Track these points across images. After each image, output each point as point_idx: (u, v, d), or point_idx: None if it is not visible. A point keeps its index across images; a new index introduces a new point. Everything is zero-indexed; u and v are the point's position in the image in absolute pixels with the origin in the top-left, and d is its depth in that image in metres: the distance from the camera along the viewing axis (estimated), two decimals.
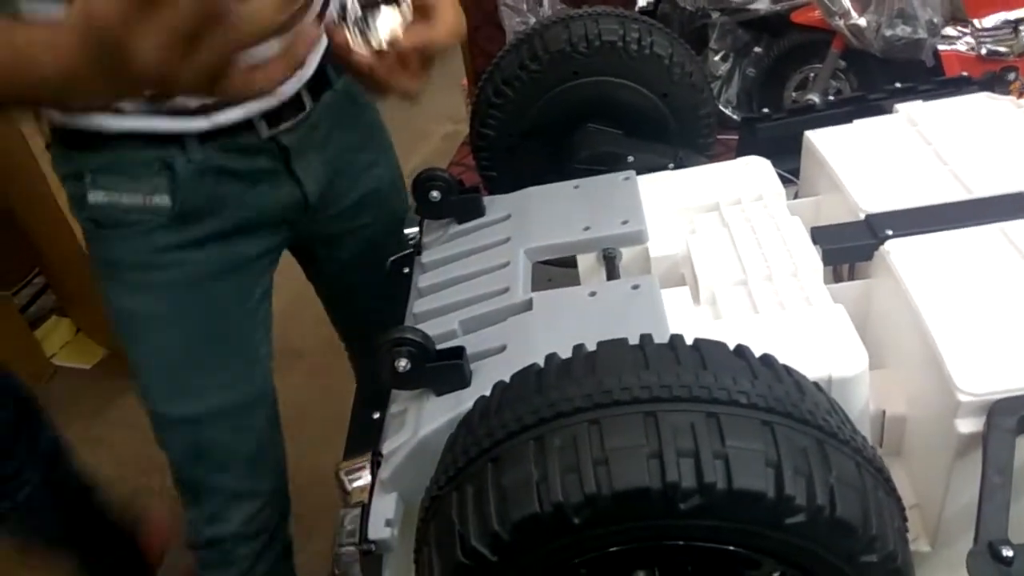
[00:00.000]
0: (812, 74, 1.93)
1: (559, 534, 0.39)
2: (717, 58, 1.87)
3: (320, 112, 0.89)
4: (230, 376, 0.91)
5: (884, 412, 0.63)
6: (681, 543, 0.40)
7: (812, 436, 0.40)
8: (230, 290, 0.89)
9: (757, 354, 0.45)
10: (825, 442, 0.40)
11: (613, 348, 0.44)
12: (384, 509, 0.59)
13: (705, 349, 0.44)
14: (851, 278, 0.73)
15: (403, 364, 0.60)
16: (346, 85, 0.93)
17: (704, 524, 0.38)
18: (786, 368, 0.45)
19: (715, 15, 1.82)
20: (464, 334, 0.68)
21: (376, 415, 0.69)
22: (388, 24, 0.67)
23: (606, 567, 0.42)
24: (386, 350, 0.59)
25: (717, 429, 0.39)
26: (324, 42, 0.86)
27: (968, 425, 0.53)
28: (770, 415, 0.40)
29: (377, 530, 0.58)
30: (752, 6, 1.81)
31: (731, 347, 0.45)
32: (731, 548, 0.40)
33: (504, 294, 0.70)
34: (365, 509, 0.60)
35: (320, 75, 0.88)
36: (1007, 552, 0.46)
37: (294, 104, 0.85)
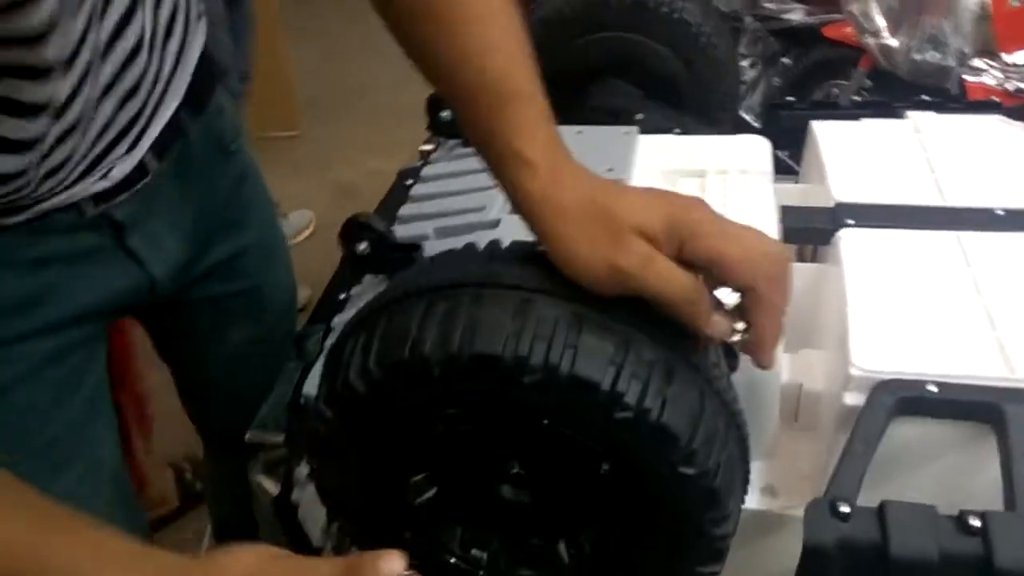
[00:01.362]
0: (836, 90, 1.90)
1: (420, 383, 0.44)
2: (745, 63, 1.85)
3: (168, 169, 0.69)
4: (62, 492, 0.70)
5: (801, 386, 0.66)
6: (524, 415, 0.44)
7: (665, 358, 0.44)
8: (52, 390, 0.68)
9: None
10: (676, 367, 0.44)
11: (518, 246, 0.49)
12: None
13: None
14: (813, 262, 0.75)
15: (362, 247, 0.65)
16: (207, 129, 0.73)
17: (544, 401, 0.43)
18: None
19: (748, 20, 1.80)
20: (436, 239, 0.74)
21: (342, 296, 0.75)
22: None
23: (462, 433, 0.47)
24: (349, 232, 0.65)
25: (578, 327, 0.43)
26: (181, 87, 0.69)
27: (854, 398, 0.55)
28: (631, 329, 0.44)
29: (312, 387, 0.64)
30: (785, 15, 1.79)
31: None
32: (565, 432, 0.44)
33: (479, 212, 0.75)
34: (307, 369, 0.67)
35: (170, 126, 0.68)
36: (845, 508, 0.49)
37: (132, 173, 0.66)
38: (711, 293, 0.44)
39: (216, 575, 0.41)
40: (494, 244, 0.49)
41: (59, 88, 0.54)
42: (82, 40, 0.54)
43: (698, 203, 0.44)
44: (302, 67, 2.92)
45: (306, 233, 2.36)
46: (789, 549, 0.60)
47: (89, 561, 0.41)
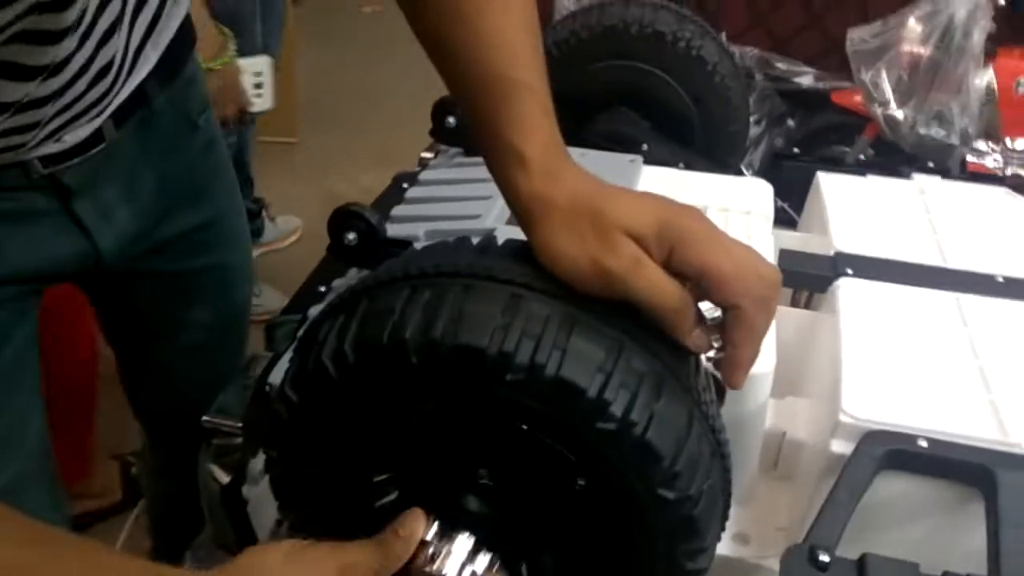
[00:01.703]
0: (843, 149, 1.92)
1: (397, 370, 0.41)
2: (751, 120, 1.87)
3: (126, 136, 0.66)
4: None
5: (784, 434, 0.64)
6: (502, 418, 0.42)
7: (656, 370, 0.42)
8: None
9: None
10: (667, 380, 0.42)
11: (513, 242, 0.47)
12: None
13: None
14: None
15: (351, 237, 0.63)
16: (173, 99, 0.70)
17: (526, 403, 0.40)
18: None
19: (758, 78, 1.83)
20: (427, 241, 0.72)
21: (322, 288, 0.73)
22: None
23: (432, 433, 0.45)
24: (338, 221, 0.63)
25: (569, 328, 0.41)
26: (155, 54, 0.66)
27: (841, 446, 0.53)
28: (624, 336, 0.42)
29: (277, 376, 0.61)
30: (796, 78, 1.82)
31: None
32: (544, 440, 0.42)
33: (474, 219, 0.73)
34: (275, 358, 0.64)
35: (134, 95, 0.65)
36: (824, 557, 0.47)
37: (87, 139, 0.62)
38: (695, 305, 0.42)
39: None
40: (488, 238, 0.47)
41: (60, 52, 0.52)
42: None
43: (694, 212, 0.43)
44: (304, 74, 2.93)
45: (292, 239, 2.33)
46: None
47: None
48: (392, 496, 0.50)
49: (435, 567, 0.44)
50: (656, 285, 0.41)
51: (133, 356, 0.88)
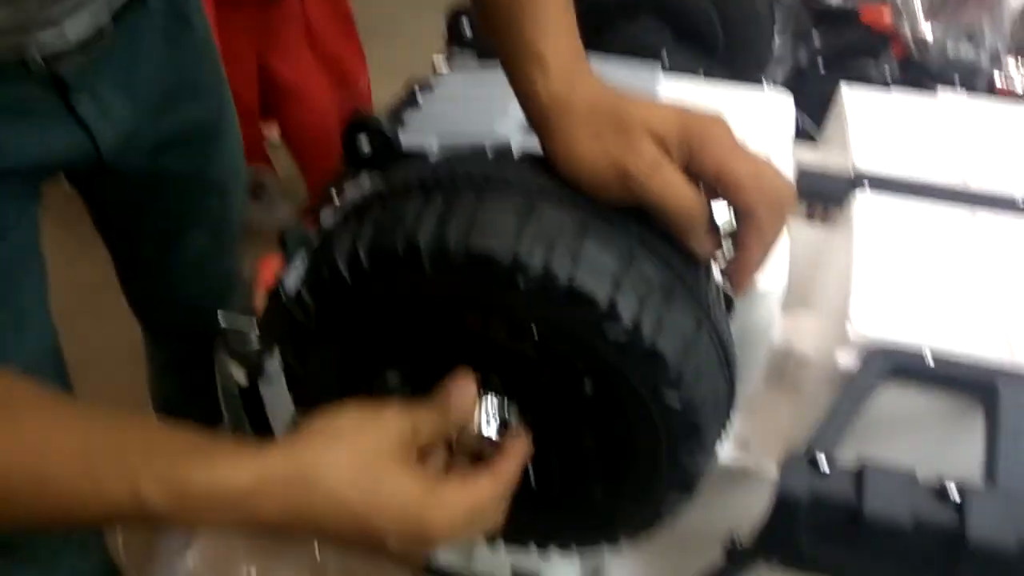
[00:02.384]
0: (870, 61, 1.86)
1: (410, 275, 0.42)
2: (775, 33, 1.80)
3: (123, 33, 0.67)
4: None
5: (792, 347, 0.65)
6: (514, 326, 0.43)
7: (668, 279, 0.42)
8: None
9: None
10: (677, 288, 0.42)
11: (527, 152, 0.46)
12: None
13: None
14: None
15: (364, 147, 0.63)
16: None
17: (537, 310, 0.41)
18: None
19: None
20: (438, 152, 0.71)
21: (335, 194, 0.73)
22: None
23: (444, 336, 0.45)
24: (351, 130, 0.62)
25: (582, 235, 0.41)
26: None
27: (847, 360, 0.54)
28: (636, 244, 0.42)
29: (291, 279, 0.62)
30: None
31: None
32: (553, 345, 0.42)
33: (488, 129, 0.72)
34: (289, 261, 0.65)
35: None
36: (823, 463, 0.48)
37: (85, 34, 0.64)
38: (709, 210, 0.42)
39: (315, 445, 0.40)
40: (502, 146, 0.47)
41: None
42: None
43: (716, 117, 0.42)
44: None
45: None
46: (756, 504, 0.60)
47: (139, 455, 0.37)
48: (406, 395, 0.52)
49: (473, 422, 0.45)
50: (675, 187, 0.41)
51: (130, 257, 0.91)
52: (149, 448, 0.37)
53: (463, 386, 0.45)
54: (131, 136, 0.72)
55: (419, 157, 0.66)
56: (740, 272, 0.43)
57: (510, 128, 0.73)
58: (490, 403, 0.46)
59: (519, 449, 0.45)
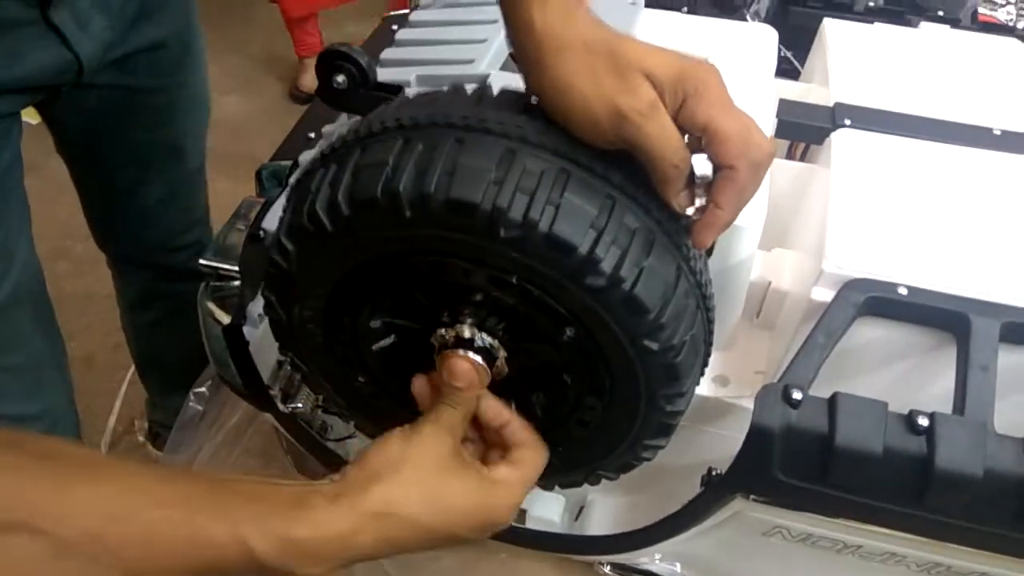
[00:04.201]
0: None
1: (390, 222, 0.42)
2: None
3: None
4: None
5: (769, 284, 0.66)
6: (494, 273, 0.43)
7: (647, 226, 0.42)
8: None
9: None
10: (657, 236, 0.42)
11: (508, 93, 0.46)
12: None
13: None
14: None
15: (340, 80, 0.61)
16: None
17: (518, 259, 0.41)
18: None
19: None
20: (418, 86, 0.70)
21: (312, 135, 0.72)
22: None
23: (425, 282, 0.46)
24: (326, 62, 0.61)
25: (563, 184, 0.41)
26: None
27: (822, 294, 0.55)
28: (617, 192, 0.42)
29: (272, 221, 0.62)
30: None
31: None
32: (533, 293, 0.43)
33: (467, 64, 0.71)
34: (267, 204, 0.64)
35: None
36: (797, 395, 0.49)
37: None
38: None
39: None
40: (482, 87, 0.46)
41: None
42: None
43: (711, 67, 0.42)
44: None
45: None
46: (732, 438, 0.62)
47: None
48: (388, 341, 0.52)
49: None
50: (666, 134, 0.40)
51: (99, 187, 0.93)
52: (250, 501, 0.40)
53: (461, 368, 0.47)
54: (107, 47, 0.74)
55: (396, 94, 0.64)
56: (709, 227, 0.43)
57: (488, 62, 0.71)
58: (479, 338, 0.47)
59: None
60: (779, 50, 0.80)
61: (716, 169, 0.41)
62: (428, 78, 0.70)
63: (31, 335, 0.78)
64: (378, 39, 0.83)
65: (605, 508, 0.77)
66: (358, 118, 0.54)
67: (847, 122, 0.67)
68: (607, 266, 0.41)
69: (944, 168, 0.63)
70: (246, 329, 0.61)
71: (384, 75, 0.71)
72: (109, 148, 0.87)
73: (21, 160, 0.73)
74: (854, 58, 0.75)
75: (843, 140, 0.65)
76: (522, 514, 0.74)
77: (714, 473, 0.56)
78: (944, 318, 0.52)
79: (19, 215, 0.74)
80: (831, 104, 0.70)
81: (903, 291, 0.53)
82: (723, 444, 0.65)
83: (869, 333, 0.55)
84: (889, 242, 0.57)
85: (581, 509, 0.78)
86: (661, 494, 0.72)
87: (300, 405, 0.67)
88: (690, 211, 0.42)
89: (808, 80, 0.84)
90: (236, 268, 0.59)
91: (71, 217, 1.21)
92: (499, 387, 0.49)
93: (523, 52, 0.44)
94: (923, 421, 0.46)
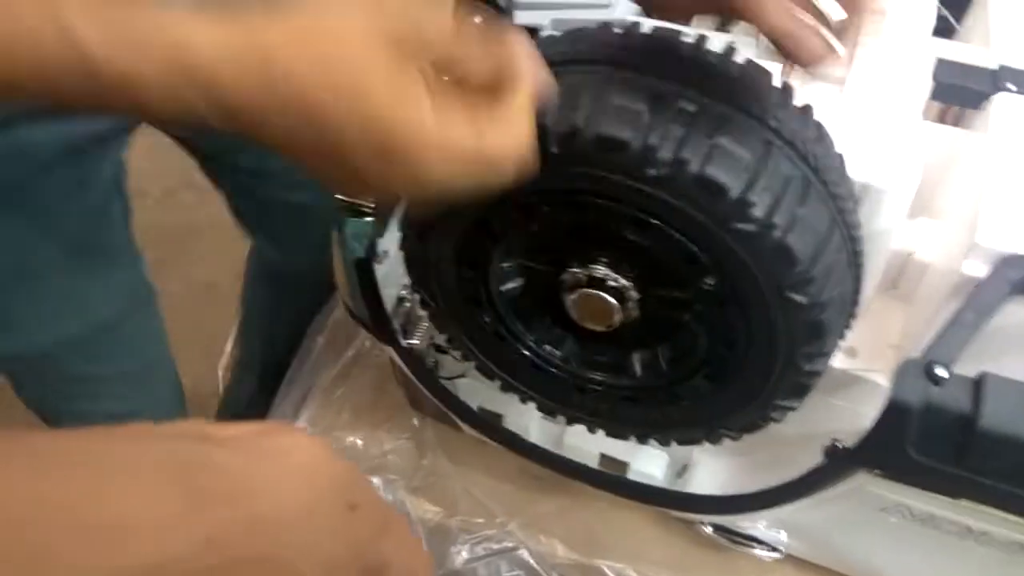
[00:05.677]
0: None
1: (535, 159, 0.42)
2: None
3: None
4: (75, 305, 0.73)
5: (911, 253, 0.62)
6: (639, 215, 0.42)
7: (802, 174, 0.41)
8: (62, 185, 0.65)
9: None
10: (813, 185, 0.41)
11: (661, 32, 0.44)
12: None
13: (756, 71, 0.44)
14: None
15: (476, 21, 0.61)
16: None
17: (665, 199, 0.40)
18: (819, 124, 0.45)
19: None
20: (552, 30, 0.69)
21: None
22: None
23: (561, 224, 0.45)
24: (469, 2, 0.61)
25: (717, 125, 0.40)
26: None
27: (974, 268, 0.52)
28: (775, 137, 0.40)
29: None
30: None
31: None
32: (675, 236, 0.42)
33: (603, 9, 0.69)
34: None
35: None
36: (941, 372, 0.47)
37: None
38: None
39: None
40: (633, 25, 0.45)
41: None
42: None
43: None
44: None
45: None
46: (854, 411, 0.59)
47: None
48: (517, 283, 0.53)
49: None
50: None
51: (227, 166, 0.93)
52: None
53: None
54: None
55: (533, 37, 0.64)
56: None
57: (624, 7, 0.70)
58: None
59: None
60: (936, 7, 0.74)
61: None
62: (563, 22, 0.69)
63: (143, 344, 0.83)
64: None
65: (708, 469, 0.76)
66: None
67: (1010, 87, 0.62)
68: (759, 211, 0.39)
69: None
70: (375, 265, 0.62)
71: (519, 18, 0.70)
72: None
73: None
74: (1019, 16, 0.70)
75: (1004, 105, 0.61)
76: (624, 466, 0.74)
77: (840, 446, 0.54)
78: None
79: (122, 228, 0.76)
80: (993, 67, 0.65)
81: None
82: (842, 416, 0.63)
83: (1021, 315, 0.51)
84: None
85: (684, 468, 0.77)
86: (769, 460, 0.71)
87: (416, 342, 0.68)
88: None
89: (966, 40, 0.78)
90: (371, 204, 0.60)
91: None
92: (625, 338, 0.49)
93: None
94: None
